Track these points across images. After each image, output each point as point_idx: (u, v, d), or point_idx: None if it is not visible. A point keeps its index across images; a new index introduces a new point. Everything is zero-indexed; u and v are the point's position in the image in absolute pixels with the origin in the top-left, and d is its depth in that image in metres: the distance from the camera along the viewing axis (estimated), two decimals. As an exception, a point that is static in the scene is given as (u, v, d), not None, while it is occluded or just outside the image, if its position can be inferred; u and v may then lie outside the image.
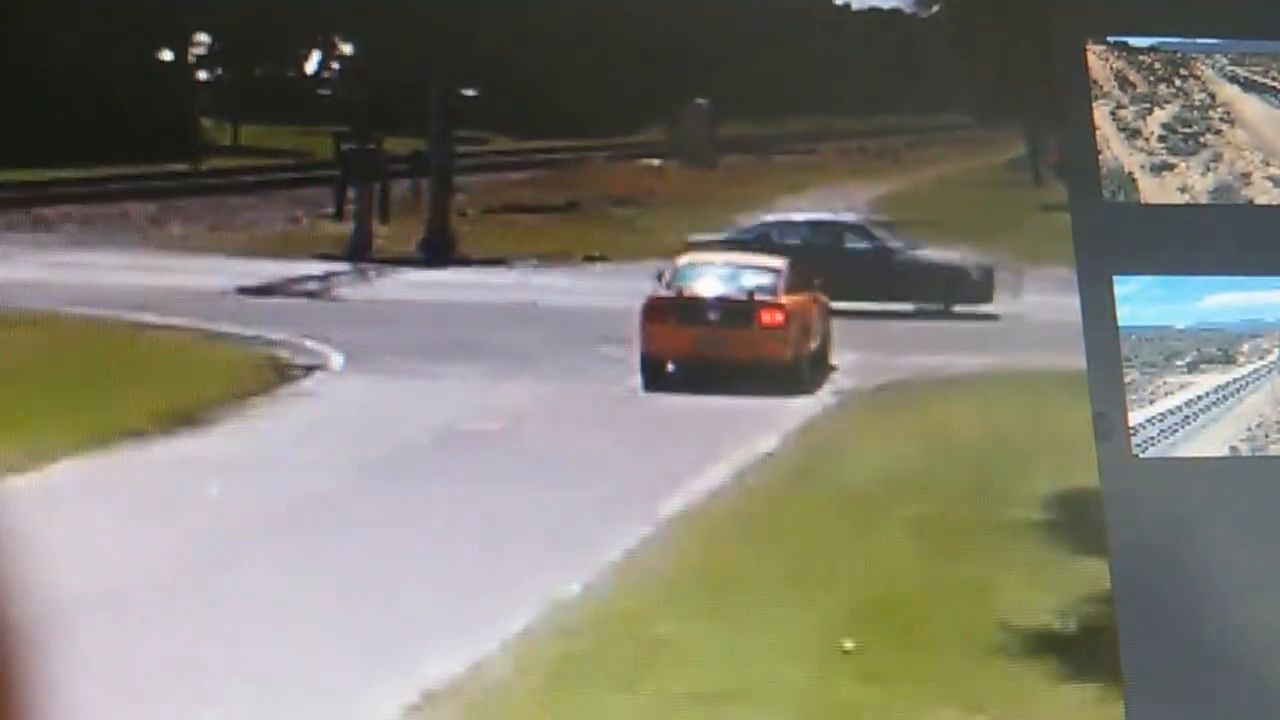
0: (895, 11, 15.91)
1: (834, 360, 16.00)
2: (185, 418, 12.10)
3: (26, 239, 23.55)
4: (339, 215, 23.30)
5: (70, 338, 15.43)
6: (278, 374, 14.38)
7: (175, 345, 15.65)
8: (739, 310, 14.23)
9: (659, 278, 14.83)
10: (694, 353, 14.03)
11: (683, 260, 15.28)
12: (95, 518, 9.48)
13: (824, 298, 15.42)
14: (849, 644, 6.80)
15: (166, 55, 26.74)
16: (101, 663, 6.95)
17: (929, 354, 15.39)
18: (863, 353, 15.71)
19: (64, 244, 23.48)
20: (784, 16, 20.48)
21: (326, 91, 24.56)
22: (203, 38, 25.73)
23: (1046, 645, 6.64)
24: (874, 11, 18.29)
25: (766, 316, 14.15)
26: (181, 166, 25.79)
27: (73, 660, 6.79)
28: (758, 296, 14.26)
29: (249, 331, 16.12)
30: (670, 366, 14.15)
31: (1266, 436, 4.13)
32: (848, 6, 19.14)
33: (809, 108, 21.27)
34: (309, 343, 15.67)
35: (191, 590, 7.97)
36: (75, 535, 8.89)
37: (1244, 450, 4.06)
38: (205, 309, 17.68)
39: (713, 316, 14.22)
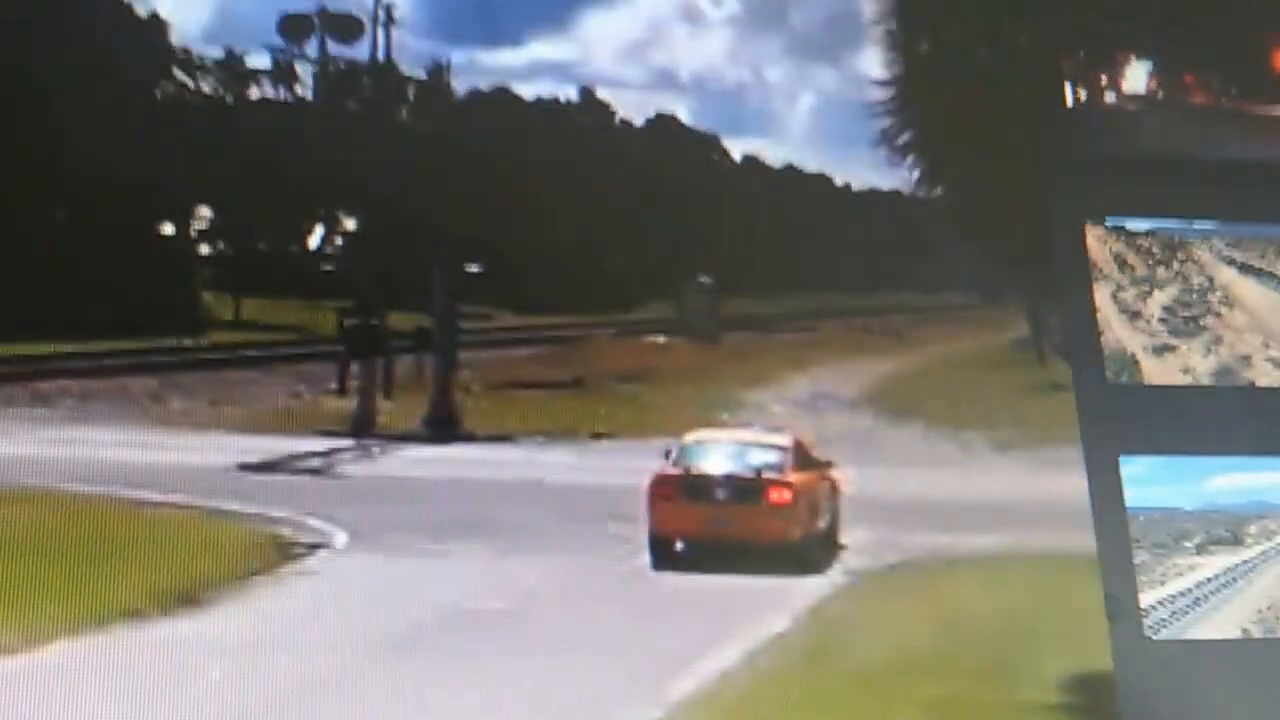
0: (896, 192, 16.22)
1: (843, 539, 16.09)
2: (186, 597, 12.06)
3: (24, 414, 23.70)
4: (342, 391, 23.45)
5: (67, 515, 15.42)
6: (280, 553, 14.41)
7: (175, 523, 15.65)
8: (747, 488, 14.31)
9: (666, 455, 14.95)
10: (702, 531, 14.10)
11: (690, 437, 15.40)
12: (92, 702, 9.42)
13: (832, 475, 15.55)
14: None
15: (168, 229, 27.09)
16: None
17: (938, 532, 15.44)
18: (872, 530, 15.79)
19: (62, 420, 23.61)
20: (786, 197, 20.88)
21: (329, 267, 24.88)
22: (204, 212, 26.12)
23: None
24: (874, 192, 18.64)
25: (775, 495, 14.24)
26: (182, 342, 25.99)
27: None
28: (765, 475, 14.37)
29: (251, 509, 16.16)
30: (679, 545, 14.23)
31: (1277, 619, 4.19)
32: (848, 187, 19.49)
33: (811, 286, 21.62)
34: (312, 520, 15.72)
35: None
36: (73, 718, 8.86)
37: (1255, 632, 4.13)
38: (206, 486, 17.73)
39: (721, 495, 14.30)
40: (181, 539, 14.74)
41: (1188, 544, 4.23)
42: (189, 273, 28.37)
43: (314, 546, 14.71)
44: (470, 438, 21.94)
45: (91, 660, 10.29)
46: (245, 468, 19.30)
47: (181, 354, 26.24)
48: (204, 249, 27.85)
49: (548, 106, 24.94)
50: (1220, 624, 4.16)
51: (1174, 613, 4.18)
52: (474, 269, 21.69)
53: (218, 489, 17.42)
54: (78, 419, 24.21)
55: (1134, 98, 3.95)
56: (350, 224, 23.21)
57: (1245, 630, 4.37)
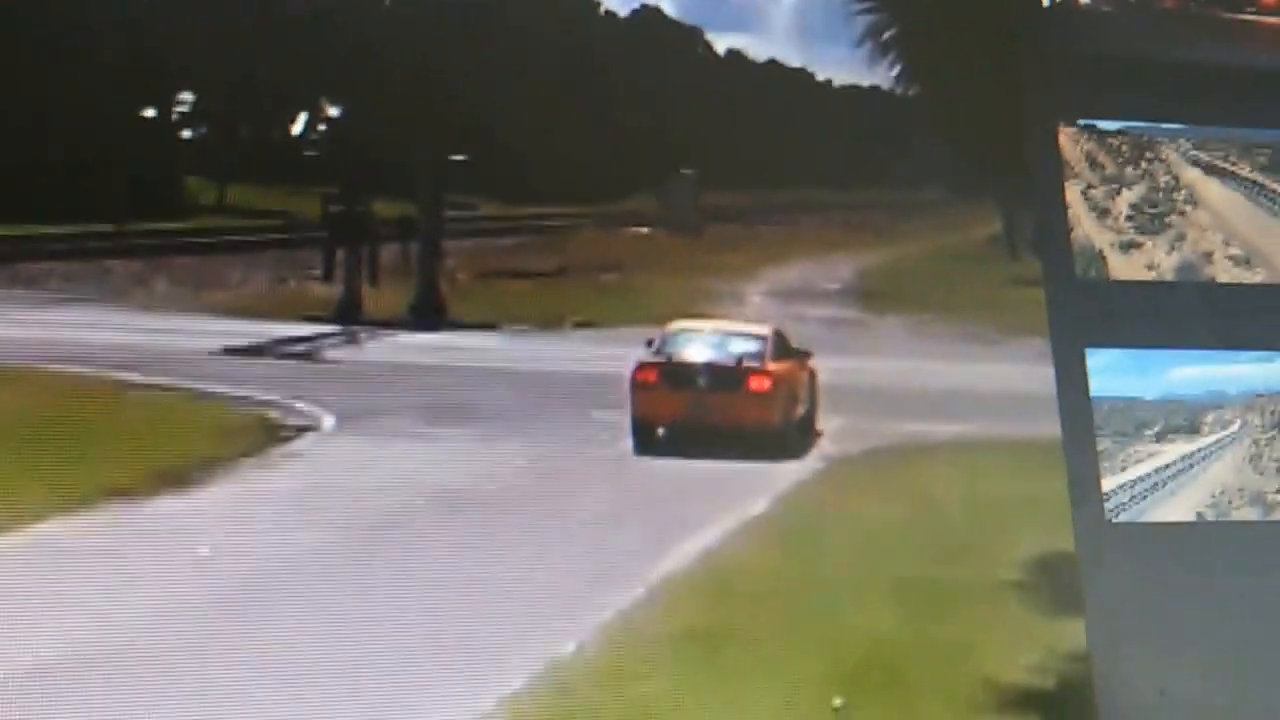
0: (875, 89, 16.37)
1: (820, 426, 16.39)
2: (174, 477, 12.24)
3: (6, 295, 23.76)
4: (328, 277, 23.54)
5: (54, 396, 15.57)
6: (268, 434, 14.62)
7: (162, 405, 15.81)
8: (728, 376, 14.60)
9: (649, 344, 15.21)
10: (684, 417, 14.38)
11: (672, 327, 15.65)
12: (83, 577, 9.58)
13: (811, 365, 15.82)
14: (838, 701, 7.02)
15: (149, 113, 27.08)
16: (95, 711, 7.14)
17: (911, 420, 15.72)
18: (848, 418, 16.06)
19: (46, 302, 23.68)
20: (768, 92, 21.01)
21: (313, 153, 24.89)
22: (186, 96, 26.10)
23: (1026, 702, 6.87)
24: (855, 89, 18.78)
25: (755, 383, 14.52)
26: (167, 225, 26.05)
27: (81, 703, 7.05)
28: (746, 363, 14.63)
29: (237, 392, 16.34)
30: (660, 431, 14.49)
31: (1230, 503, 4.41)
32: (829, 83, 19.63)
33: (792, 180, 21.80)
34: (299, 404, 15.92)
35: (181, 650, 8.09)
36: (63, 595, 9.06)
37: (1209, 515, 4.35)
38: (192, 369, 17.86)
39: (702, 382, 14.58)
40: (168, 420, 14.89)
41: (1148, 432, 4.40)
42: (172, 157, 28.44)
43: (301, 429, 14.90)
44: (456, 325, 22.04)
45: (81, 538, 10.48)
46: (231, 351, 19.42)
47: (165, 238, 26.32)
48: (186, 133, 27.89)
49: (532, -4, 24.82)
50: (1177, 508, 4.35)
51: (1134, 497, 4.36)
52: (459, 158, 21.79)
53: (204, 372, 17.54)
54: (61, 301, 24.28)
55: (1108, 0, 4.12)
56: (334, 111, 23.21)
57: (1200, 514, 4.56)
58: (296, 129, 25.15)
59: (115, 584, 9.45)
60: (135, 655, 8.00)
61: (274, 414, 15.58)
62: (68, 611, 8.70)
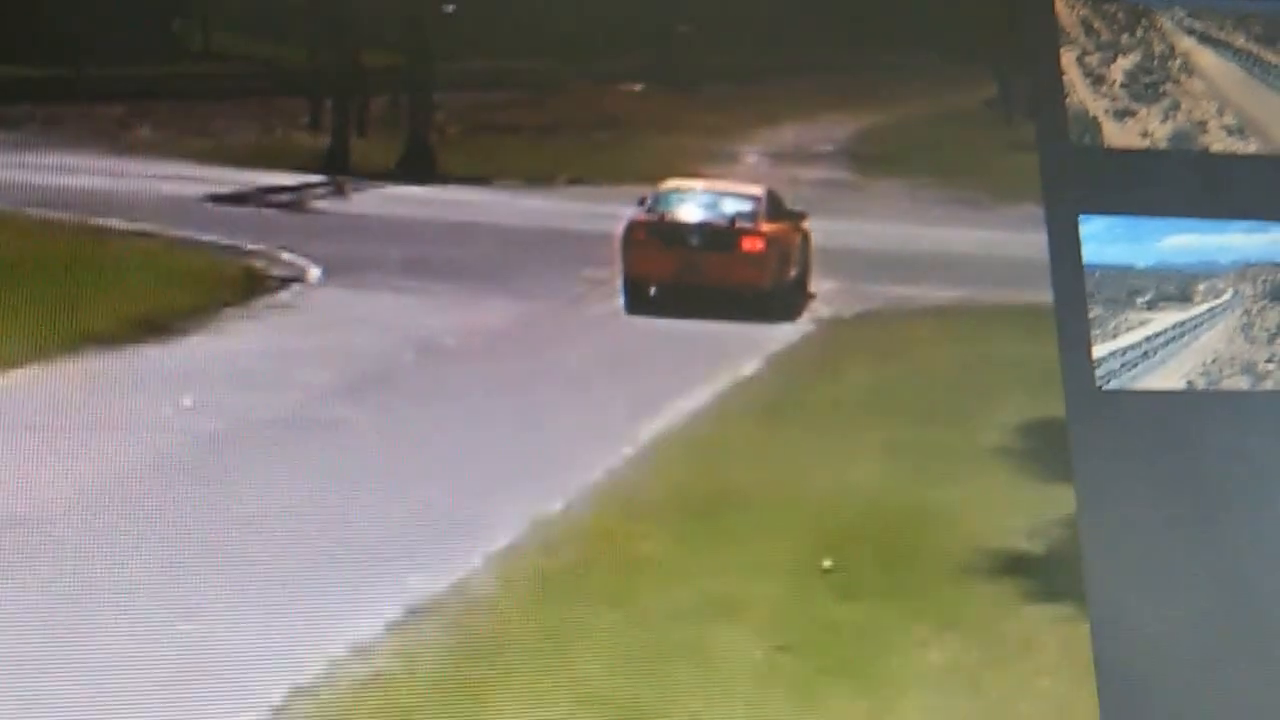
0: (872, -50, 16.27)
1: (813, 288, 16.46)
2: (155, 325, 12.23)
3: (-12, 136, 23.60)
4: (315, 127, 23.45)
5: (34, 240, 15.53)
6: (253, 284, 14.62)
7: (144, 251, 15.75)
8: (721, 236, 14.63)
9: (641, 203, 15.22)
10: (676, 277, 14.42)
11: (665, 186, 15.65)
12: (61, 425, 9.61)
13: (805, 226, 15.86)
14: (827, 563, 7.13)
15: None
16: (76, 571, 7.21)
17: (904, 284, 15.78)
18: (840, 280, 16.13)
19: (26, 144, 23.55)
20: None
21: (301, 0, 24.70)
22: (168, -64, 25.83)
23: (1016, 566, 6.98)
24: (852, -49, 18.64)
25: (747, 243, 14.55)
26: (150, 69, 25.90)
27: (44, 569, 7.14)
28: (739, 223, 14.66)
29: (222, 241, 16.32)
30: (652, 290, 14.54)
31: (1221, 372, 4.51)
32: (827, -57, 19.46)
33: (789, 40, 21.70)
34: (285, 254, 15.93)
35: (163, 500, 8.15)
36: (43, 442, 9.11)
37: (1200, 384, 4.45)
38: (176, 216, 17.81)
39: (694, 241, 14.60)
40: (150, 267, 14.84)
41: (1140, 300, 4.49)
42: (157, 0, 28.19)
43: (287, 280, 14.89)
44: (445, 179, 21.98)
45: (61, 383, 10.49)
46: (216, 199, 19.36)
47: (149, 82, 26.16)
48: (169, -24, 27.51)
49: None
50: (1167, 375, 4.44)
51: (1124, 364, 4.46)
52: (450, 8, 21.68)
53: (188, 219, 17.51)
54: (42, 144, 24.15)
55: None
56: (321, -45, 23.02)
57: (1190, 382, 4.66)
58: (284, -26, 24.96)
59: (95, 432, 9.50)
60: (114, 504, 8.04)
61: (259, 264, 15.58)
62: (44, 460, 8.74)
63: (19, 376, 10.34)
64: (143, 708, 7.20)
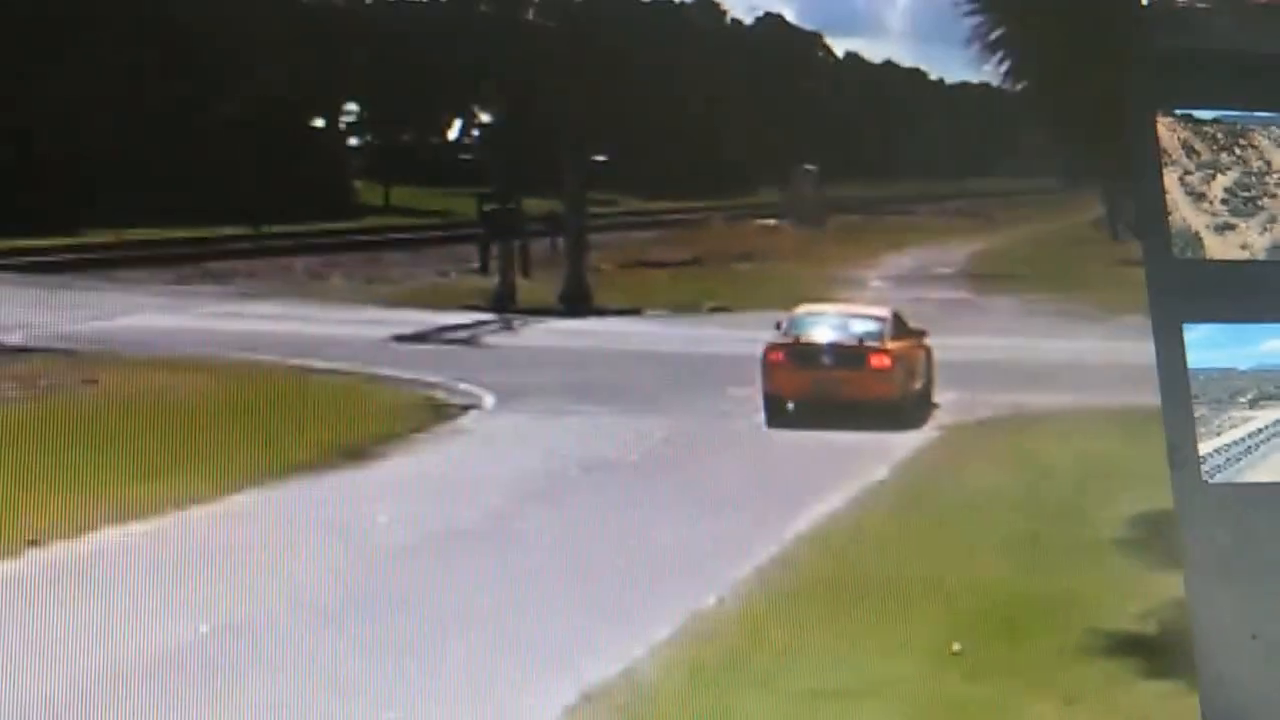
0: (984, 86, 16.29)
1: (936, 398, 16.37)
2: (353, 453, 12.48)
3: (198, 291, 24.24)
4: (484, 269, 23.86)
5: (243, 382, 15.90)
6: (435, 413, 14.88)
7: (339, 388, 16.11)
8: (851, 355, 14.66)
9: (778, 326, 15.30)
10: (811, 393, 14.47)
11: (799, 310, 15.74)
12: (277, 542, 9.77)
13: (927, 342, 15.81)
14: (957, 646, 7.06)
15: (319, 123, 27.50)
16: (295, 667, 7.29)
17: (1021, 392, 15.65)
18: (961, 391, 16.03)
19: (232, 296, 24.14)
20: (884, 90, 20.91)
21: (468, 156, 25.19)
22: (351, 106, 26.48)
23: (1130, 647, 6.88)
24: (965, 85, 18.67)
25: (875, 360, 14.57)
26: (339, 225, 26.46)
27: (300, 652, 7.25)
28: (867, 342, 14.68)
29: (407, 375, 16.62)
30: (790, 405, 14.59)
31: None
32: (941, 81, 19.51)
33: (907, 173, 21.69)
34: (462, 385, 16.17)
35: (371, 601, 8.21)
36: (269, 557, 9.26)
37: None
38: (365, 355, 18.20)
39: (827, 360, 14.65)
40: (346, 402, 15.18)
41: (1242, 399, 4.39)
42: (341, 163, 28.91)
43: (465, 408, 15.13)
44: (601, 311, 22.23)
45: (276, 506, 10.71)
46: (400, 338, 19.76)
47: (337, 237, 26.72)
48: (353, 141, 28.30)
49: (664, 6, 25.09)
50: (1270, 468, 4.34)
51: (1229, 459, 4.35)
52: (601, 158, 21.97)
53: (375, 358, 17.88)
54: (246, 296, 24.73)
55: (1203, -1, 4.13)
56: (486, 117, 23.47)
57: None
58: (452, 134, 25.49)
59: (307, 546, 9.62)
60: (330, 606, 8.12)
61: (440, 394, 15.85)
62: (273, 566, 8.87)
63: (240, 502, 10.57)
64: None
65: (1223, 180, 4.10)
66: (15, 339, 17.38)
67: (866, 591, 8.15)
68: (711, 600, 8.09)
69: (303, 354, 17.69)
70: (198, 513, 10.10)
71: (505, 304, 23.10)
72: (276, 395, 15.33)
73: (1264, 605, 4.19)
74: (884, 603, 7.86)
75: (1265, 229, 4.16)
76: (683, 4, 28.11)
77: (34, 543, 9.47)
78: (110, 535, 9.56)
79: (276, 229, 26.58)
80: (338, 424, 13.76)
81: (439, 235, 24.33)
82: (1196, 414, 4.09)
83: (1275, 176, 4.20)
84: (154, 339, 17.90)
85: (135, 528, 9.70)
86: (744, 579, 8.39)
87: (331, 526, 10.20)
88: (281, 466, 11.73)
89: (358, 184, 28.70)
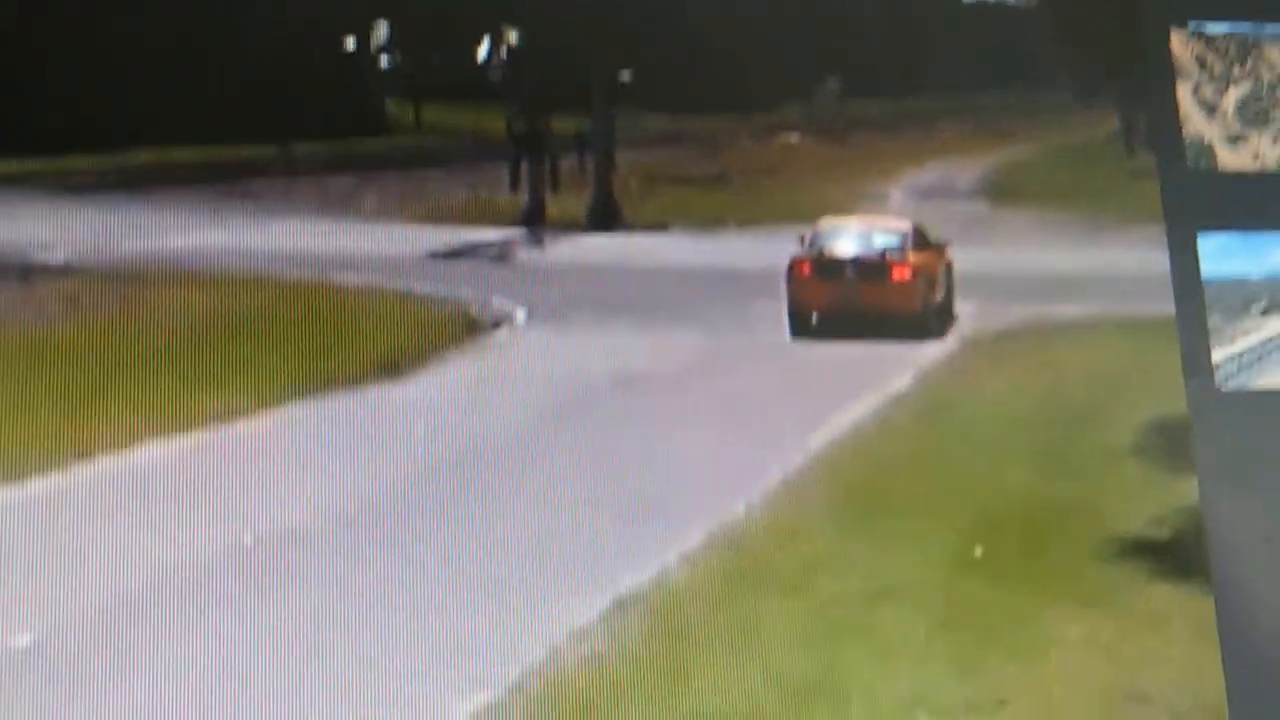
0: (1001, 3, 16.20)
1: (957, 310, 16.35)
2: (391, 366, 12.53)
3: (238, 207, 24.22)
4: (514, 187, 23.79)
5: (285, 298, 15.93)
6: (469, 327, 14.92)
7: (377, 303, 16.14)
8: (873, 267, 14.62)
9: (801, 240, 15.28)
10: (834, 306, 14.45)
11: (821, 224, 15.69)
12: (321, 455, 9.87)
13: (948, 255, 15.77)
14: (979, 551, 7.11)
15: (350, 44, 27.43)
16: (338, 577, 7.40)
17: (1039, 303, 15.61)
18: (981, 303, 15.99)
19: (271, 213, 24.12)
20: (903, 7, 20.78)
21: (497, 76, 25.09)
22: (382, 28, 26.38)
23: (1145, 550, 6.92)
24: (982, 4, 18.59)
25: (897, 273, 14.54)
26: (373, 143, 26.43)
27: (341, 562, 7.36)
28: (889, 255, 14.65)
29: (441, 291, 16.65)
30: (814, 318, 14.59)
31: None
32: (959, 0, 19.41)
33: (927, 89, 21.58)
34: (495, 300, 16.21)
35: (411, 512, 8.29)
36: (311, 469, 9.36)
37: None
38: (401, 271, 18.22)
39: (850, 273, 14.62)
40: (384, 317, 15.23)
41: (1254, 308, 4.39)
42: (373, 82, 28.85)
43: (497, 323, 15.18)
44: (630, 227, 22.13)
45: (317, 419, 10.79)
46: (434, 255, 19.75)
47: (372, 156, 26.66)
48: (384, 61, 28.29)
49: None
50: None
51: (1241, 367, 4.37)
52: (626, 76, 21.89)
53: (411, 274, 17.90)
54: (285, 212, 24.72)
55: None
56: (514, 37, 23.34)
57: None
58: (481, 54, 25.37)
59: (349, 458, 9.71)
60: (369, 519, 8.21)
61: (473, 309, 15.89)
62: (315, 478, 8.97)
63: (281, 415, 10.65)
64: (391, 690, 7.37)
65: (1235, 93, 4.07)
66: (58, 258, 17.48)
67: (891, 499, 8.20)
68: (740, 508, 8.14)
69: (340, 270, 17.72)
70: (242, 425, 10.20)
71: (535, 220, 23.07)
72: (316, 312, 15.40)
73: (1276, 509, 4.20)
74: (908, 510, 7.91)
75: (1277, 139, 4.12)
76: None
77: (82, 455, 9.60)
78: (155, 447, 9.67)
79: (310, 147, 26.50)
80: (375, 339, 13.82)
81: (469, 152, 24.25)
82: (1210, 323, 4.08)
83: (1286, 89, 4.18)
84: (195, 258, 17.96)
85: (181, 441, 9.81)
86: (771, 488, 8.43)
87: (370, 438, 10.28)
88: (321, 381, 11.80)
89: (389, 103, 28.64)
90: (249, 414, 10.70)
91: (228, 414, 10.41)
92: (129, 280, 16.34)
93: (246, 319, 15.06)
